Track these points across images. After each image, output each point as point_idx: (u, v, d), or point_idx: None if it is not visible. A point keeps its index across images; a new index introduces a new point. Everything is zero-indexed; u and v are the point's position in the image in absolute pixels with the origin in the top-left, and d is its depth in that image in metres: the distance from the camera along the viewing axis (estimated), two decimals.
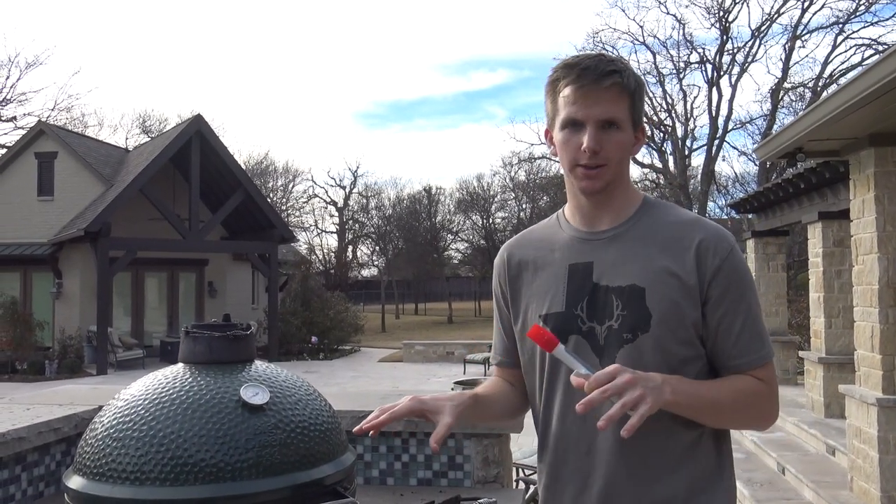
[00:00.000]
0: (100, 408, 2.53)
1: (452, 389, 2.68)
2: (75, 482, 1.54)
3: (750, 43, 26.20)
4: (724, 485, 1.39)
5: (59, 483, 2.44)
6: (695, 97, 27.93)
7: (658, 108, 26.81)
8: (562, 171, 1.41)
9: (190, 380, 1.61)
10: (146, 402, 1.57)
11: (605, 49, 27.92)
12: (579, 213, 1.43)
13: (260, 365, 1.73)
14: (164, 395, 1.57)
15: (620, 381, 1.17)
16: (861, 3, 24.11)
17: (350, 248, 42.52)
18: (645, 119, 1.41)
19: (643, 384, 1.19)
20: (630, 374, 1.19)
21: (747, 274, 1.37)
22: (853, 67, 23.64)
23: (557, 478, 1.41)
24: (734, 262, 1.34)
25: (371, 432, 1.34)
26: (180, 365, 1.69)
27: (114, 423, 1.56)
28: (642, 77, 1.40)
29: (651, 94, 26.37)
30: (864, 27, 31.12)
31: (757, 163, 25.46)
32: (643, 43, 27.94)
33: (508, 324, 1.54)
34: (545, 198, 34.72)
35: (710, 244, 1.34)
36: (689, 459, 1.35)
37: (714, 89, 26.62)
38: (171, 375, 1.64)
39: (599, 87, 1.31)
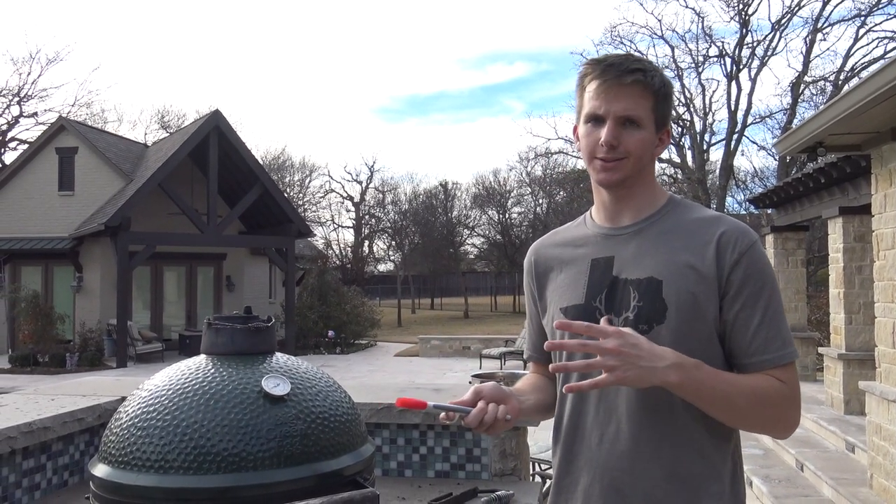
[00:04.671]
0: (123, 398, 2.57)
1: (470, 384, 2.69)
2: (100, 470, 1.57)
3: (770, 36, 25.90)
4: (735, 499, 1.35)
5: (84, 472, 2.49)
6: (714, 91, 27.85)
7: (676, 103, 26.63)
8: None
9: (212, 371, 1.63)
10: (170, 392, 1.60)
11: (622, 43, 27.79)
12: (603, 209, 1.46)
13: (281, 357, 1.75)
14: (187, 385, 1.60)
15: (606, 344, 1.19)
16: None
17: (366, 243, 42.65)
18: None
19: (631, 360, 1.18)
20: (619, 343, 1.18)
21: (769, 271, 1.35)
22: (875, 60, 23.32)
23: (569, 471, 1.43)
24: (754, 256, 1.32)
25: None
26: (203, 356, 1.71)
27: (138, 412, 1.59)
28: (671, 81, 1.39)
29: None
30: (887, 20, 30.66)
31: (776, 157, 25.21)
32: (661, 37, 27.80)
33: (538, 320, 1.58)
34: (562, 193, 34.52)
35: (730, 238, 1.33)
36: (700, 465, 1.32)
37: (733, 83, 26.36)
38: (193, 366, 1.67)
39: (622, 84, 1.33)
